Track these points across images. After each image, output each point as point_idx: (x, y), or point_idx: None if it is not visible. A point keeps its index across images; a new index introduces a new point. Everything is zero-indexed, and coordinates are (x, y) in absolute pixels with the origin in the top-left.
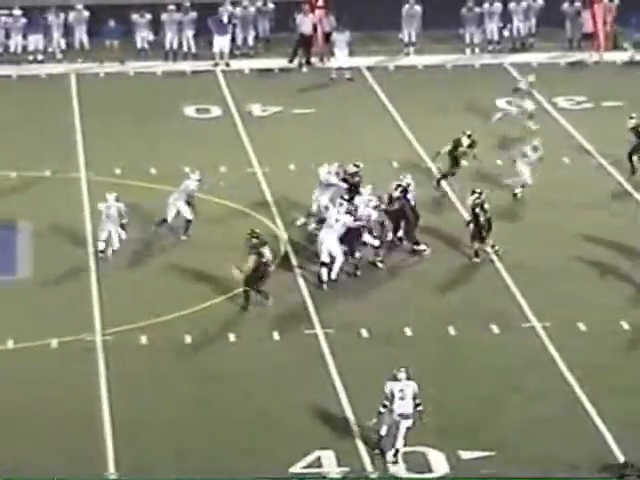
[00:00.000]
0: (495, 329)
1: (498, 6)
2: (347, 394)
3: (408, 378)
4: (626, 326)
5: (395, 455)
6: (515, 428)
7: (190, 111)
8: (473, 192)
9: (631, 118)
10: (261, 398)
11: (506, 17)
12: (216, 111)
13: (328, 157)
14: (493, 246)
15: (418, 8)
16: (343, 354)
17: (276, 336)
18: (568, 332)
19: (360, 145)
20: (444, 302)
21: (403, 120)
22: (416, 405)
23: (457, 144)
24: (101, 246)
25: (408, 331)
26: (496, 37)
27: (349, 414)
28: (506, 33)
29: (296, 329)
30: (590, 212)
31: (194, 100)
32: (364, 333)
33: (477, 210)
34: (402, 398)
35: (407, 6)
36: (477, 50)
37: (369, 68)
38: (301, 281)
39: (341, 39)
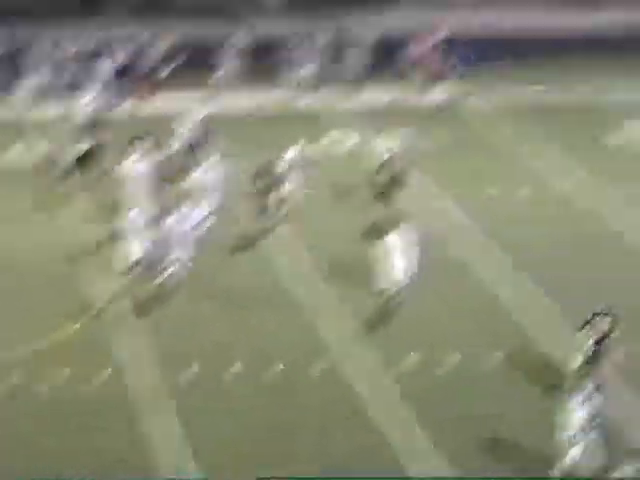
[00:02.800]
0: (323, 365)
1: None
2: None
3: None
4: (458, 355)
5: None
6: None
7: None
8: None
9: None
10: None
11: None
12: None
13: None
14: None
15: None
16: None
17: None
18: (399, 362)
19: None
20: (272, 338)
21: None
22: None
23: None
24: None
25: (237, 367)
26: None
27: None
28: None
29: None
30: None
31: None
32: (195, 368)
33: None
34: None
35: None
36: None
37: None
38: None
39: None
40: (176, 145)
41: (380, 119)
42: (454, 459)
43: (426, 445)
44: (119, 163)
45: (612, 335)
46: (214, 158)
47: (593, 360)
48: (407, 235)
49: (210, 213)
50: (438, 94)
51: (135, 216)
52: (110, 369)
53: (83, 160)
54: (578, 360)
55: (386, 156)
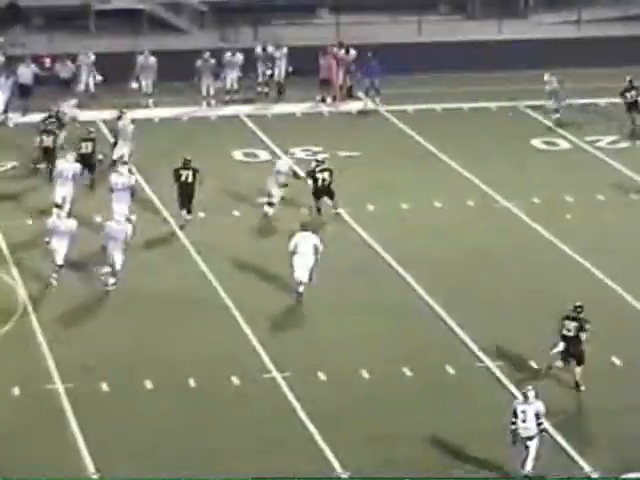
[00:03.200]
0: (235, 380)
1: (239, 56)
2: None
3: (536, 397)
4: (366, 375)
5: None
6: None
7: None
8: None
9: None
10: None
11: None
12: None
13: None
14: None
15: (153, 59)
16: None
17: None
18: (308, 381)
19: None
20: (184, 353)
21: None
22: (538, 424)
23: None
24: None
25: (148, 384)
26: (235, 86)
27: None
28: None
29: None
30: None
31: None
32: (104, 387)
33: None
34: (524, 420)
35: (142, 57)
36: (213, 102)
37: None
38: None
39: None
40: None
41: (294, 130)
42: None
43: (334, 465)
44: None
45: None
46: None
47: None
48: (311, 240)
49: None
50: (350, 105)
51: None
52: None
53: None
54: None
55: (314, 164)
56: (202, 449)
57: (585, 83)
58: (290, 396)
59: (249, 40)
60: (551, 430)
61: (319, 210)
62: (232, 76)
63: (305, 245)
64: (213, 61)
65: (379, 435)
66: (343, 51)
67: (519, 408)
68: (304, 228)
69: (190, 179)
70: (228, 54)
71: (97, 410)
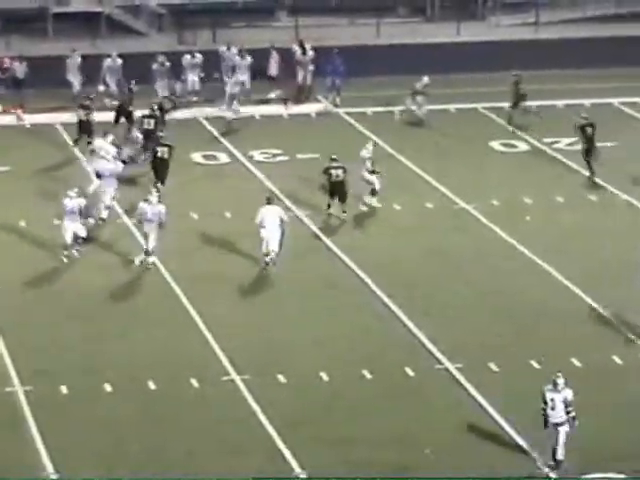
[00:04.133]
0: (195, 383)
1: (199, 58)
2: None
3: (565, 385)
4: (325, 377)
5: (556, 463)
6: None
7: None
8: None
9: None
10: None
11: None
12: None
13: None
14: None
15: (120, 61)
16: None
17: None
18: (268, 384)
19: None
20: (144, 355)
21: None
22: (567, 412)
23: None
24: None
25: (108, 387)
26: (197, 88)
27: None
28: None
29: None
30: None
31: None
32: (63, 390)
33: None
34: (553, 408)
35: (109, 60)
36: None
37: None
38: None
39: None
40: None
41: (253, 133)
42: None
43: (293, 466)
44: None
45: None
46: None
47: None
48: (276, 212)
49: None
50: (310, 107)
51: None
52: None
53: None
54: None
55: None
56: (162, 451)
57: (543, 85)
58: (249, 399)
59: (208, 43)
60: (511, 431)
61: (329, 206)
62: (193, 78)
63: (271, 218)
64: (168, 64)
65: (338, 437)
66: (300, 51)
67: (548, 395)
68: (269, 202)
69: (166, 155)
70: (188, 56)
71: (56, 413)
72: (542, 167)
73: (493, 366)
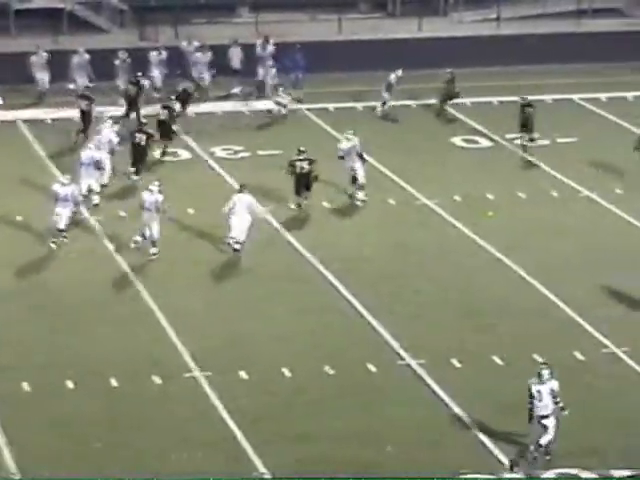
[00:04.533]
0: (157, 380)
1: (165, 54)
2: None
3: (550, 376)
4: (288, 373)
5: (536, 449)
6: None
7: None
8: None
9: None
10: None
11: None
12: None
13: None
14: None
15: (87, 57)
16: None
17: None
18: (230, 380)
19: None
20: (105, 352)
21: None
22: (555, 403)
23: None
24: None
25: (70, 384)
26: (159, 84)
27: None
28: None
29: None
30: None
31: None
32: (25, 387)
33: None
34: (540, 400)
35: (77, 56)
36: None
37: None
38: None
39: None
40: None
41: (215, 129)
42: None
43: (255, 463)
44: None
45: None
46: None
47: None
48: (246, 200)
49: None
50: (270, 102)
51: None
52: None
53: None
54: None
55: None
56: (124, 448)
57: (505, 81)
58: (212, 395)
59: (170, 39)
60: (473, 427)
61: (299, 205)
62: (158, 74)
63: (241, 205)
64: (129, 60)
65: (300, 433)
66: (260, 46)
67: (534, 388)
68: (240, 189)
69: (143, 142)
70: (154, 53)
71: (18, 410)
72: (504, 163)
73: (455, 362)
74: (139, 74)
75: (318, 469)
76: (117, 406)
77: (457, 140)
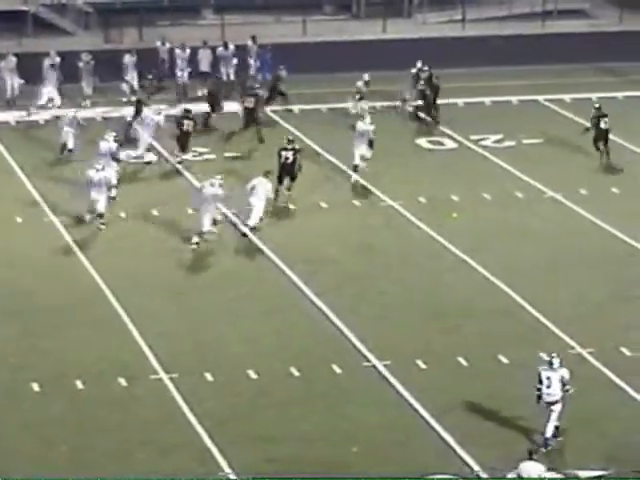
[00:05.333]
0: (123, 382)
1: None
2: None
3: (560, 365)
4: (253, 375)
5: (545, 444)
6: None
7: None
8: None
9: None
10: None
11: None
12: None
13: None
14: None
15: (58, 59)
16: None
17: None
18: (196, 382)
19: None
20: (71, 354)
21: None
22: (566, 390)
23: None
24: None
25: (35, 386)
26: (136, 86)
27: None
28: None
29: None
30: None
31: None
32: None
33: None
34: (549, 386)
35: (49, 59)
36: (88, 103)
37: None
38: None
39: None
40: None
41: None
42: None
43: (222, 465)
44: None
45: None
46: None
47: None
48: (267, 186)
49: None
50: (235, 105)
51: None
52: None
53: None
54: None
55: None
56: (90, 452)
57: (470, 82)
58: (177, 397)
59: (135, 41)
60: (439, 428)
61: (277, 192)
62: (133, 76)
63: (262, 189)
64: (93, 62)
65: (267, 435)
66: (222, 47)
67: (544, 374)
68: (266, 175)
69: (191, 129)
70: (127, 55)
71: None
72: (469, 164)
73: (420, 363)
74: (150, 75)
75: (284, 470)
76: (83, 408)
77: (422, 142)
